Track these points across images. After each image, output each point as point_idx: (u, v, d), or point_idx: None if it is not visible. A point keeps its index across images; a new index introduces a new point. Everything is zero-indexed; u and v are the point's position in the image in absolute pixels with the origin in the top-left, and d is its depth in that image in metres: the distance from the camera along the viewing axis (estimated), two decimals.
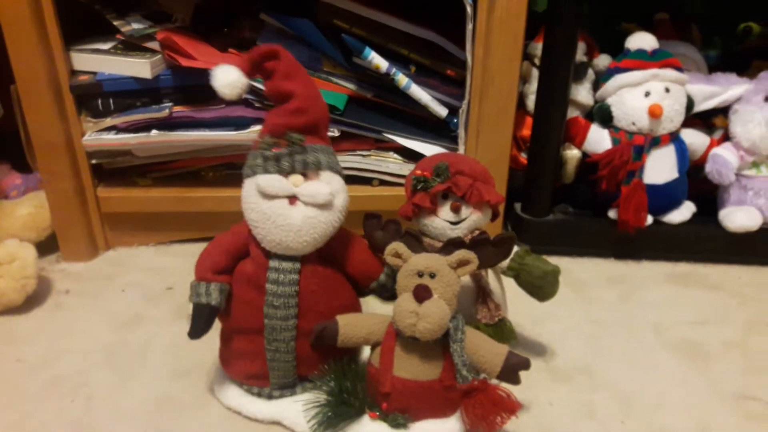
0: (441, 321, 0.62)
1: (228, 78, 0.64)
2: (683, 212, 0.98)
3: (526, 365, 0.65)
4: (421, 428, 0.66)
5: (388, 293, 0.70)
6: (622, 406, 0.72)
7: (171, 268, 0.95)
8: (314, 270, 0.66)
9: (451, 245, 0.66)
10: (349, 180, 0.95)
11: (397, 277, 0.65)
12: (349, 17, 0.91)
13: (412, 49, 0.95)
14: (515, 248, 0.73)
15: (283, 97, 0.65)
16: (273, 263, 0.65)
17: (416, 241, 0.67)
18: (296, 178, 0.64)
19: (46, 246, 0.96)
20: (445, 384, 0.65)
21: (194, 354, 0.78)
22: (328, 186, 0.64)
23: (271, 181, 0.63)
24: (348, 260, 0.69)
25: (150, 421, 0.69)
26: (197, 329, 0.65)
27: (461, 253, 0.64)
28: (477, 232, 0.72)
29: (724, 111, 1.00)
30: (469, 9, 0.86)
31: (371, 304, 0.82)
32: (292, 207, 0.63)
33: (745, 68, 1.11)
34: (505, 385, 0.65)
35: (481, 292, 0.73)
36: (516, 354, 0.65)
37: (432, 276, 0.63)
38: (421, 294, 0.62)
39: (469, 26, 0.87)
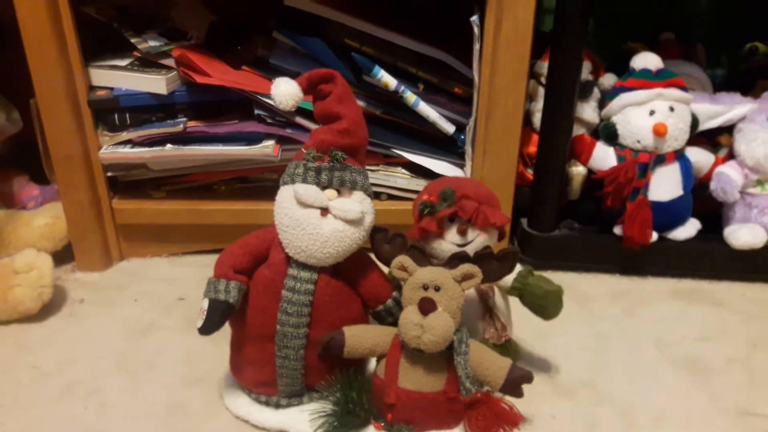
0: (445, 333, 0.63)
1: (288, 89, 0.68)
2: (688, 229, 0.99)
3: (529, 378, 0.66)
4: None
5: (392, 318, 0.72)
6: (624, 419, 0.73)
7: (183, 279, 0.97)
8: (329, 282, 0.68)
9: (456, 259, 0.67)
10: None
11: (402, 290, 0.67)
12: (360, 36, 0.94)
13: (421, 68, 0.97)
14: (519, 268, 0.74)
15: (332, 117, 0.69)
16: (292, 271, 0.67)
17: (422, 255, 0.69)
18: (331, 192, 0.67)
19: (62, 256, 0.98)
20: (449, 396, 0.66)
21: (205, 363, 0.79)
22: (359, 205, 0.68)
23: (309, 191, 0.66)
24: (360, 280, 0.71)
25: (160, 428, 0.71)
26: (210, 325, 0.67)
27: (466, 267, 0.65)
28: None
29: (729, 129, 1.01)
30: (476, 29, 0.88)
31: None
32: (323, 219, 0.66)
33: (751, 87, 1.12)
34: (508, 398, 0.66)
35: (489, 312, 0.75)
36: (519, 367, 0.66)
37: (437, 289, 0.65)
38: (426, 307, 0.64)
39: (476, 46, 0.89)
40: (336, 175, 0.67)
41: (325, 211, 0.66)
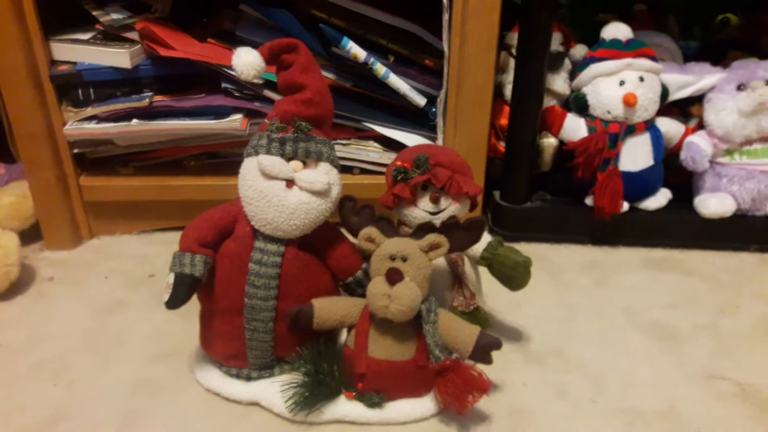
0: (412, 303, 0.63)
1: (249, 59, 0.67)
2: (659, 199, 1.00)
3: (497, 345, 0.66)
4: (396, 408, 0.68)
5: (362, 290, 0.71)
6: (594, 386, 0.74)
7: (153, 256, 0.96)
8: (297, 254, 0.68)
9: (422, 230, 0.67)
10: None
11: (371, 261, 0.67)
12: (327, 7, 0.92)
13: (391, 39, 0.96)
14: (489, 238, 0.74)
15: (295, 88, 0.68)
16: (258, 244, 0.67)
17: (389, 226, 0.68)
18: (296, 164, 0.67)
19: (31, 235, 0.97)
20: (418, 364, 0.66)
21: (174, 339, 0.79)
22: (326, 176, 0.67)
23: (273, 162, 0.65)
24: (329, 253, 0.71)
25: (130, 404, 0.70)
26: (177, 299, 0.66)
27: (432, 237, 0.65)
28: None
29: (700, 99, 1.01)
30: None
31: None
32: (289, 190, 0.65)
33: (722, 59, 1.12)
34: (478, 365, 0.66)
35: (458, 280, 0.75)
36: (487, 334, 0.67)
37: (404, 259, 0.65)
38: (393, 277, 0.64)
39: (445, 16, 0.88)
40: (301, 146, 0.67)
41: (290, 182, 0.66)
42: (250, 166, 0.66)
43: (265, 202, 0.65)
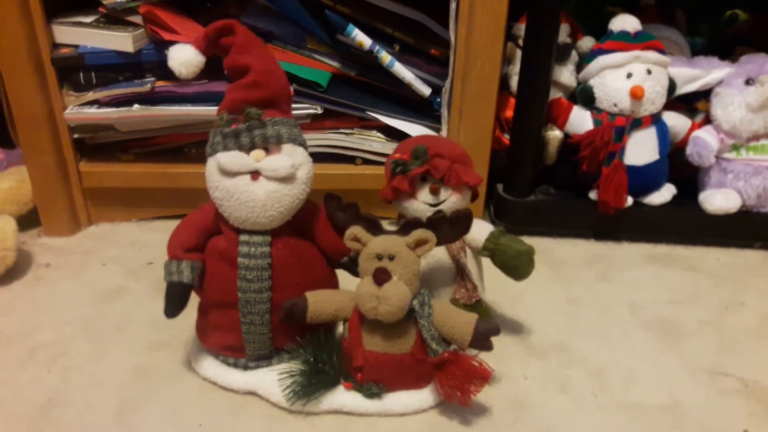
0: (401, 302, 0.62)
1: (183, 56, 0.64)
2: (664, 194, 0.99)
3: (496, 330, 0.65)
4: (394, 399, 0.67)
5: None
6: (595, 380, 0.73)
7: (152, 244, 0.95)
8: (287, 242, 0.66)
9: (409, 226, 0.65)
10: (333, 158, 0.97)
11: (358, 261, 0.66)
12: None
13: (397, 28, 0.95)
14: (492, 228, 0.73)
15: (241, 71, 0.65)
16: (243, 237, 0.65)
17: (374, 224, 0.66)
18: (258, 153, 0.64)
19: (29, 220, 0.96)
20: (416, 357, 0.65)
21: (172, 327, 0.77)
22: (290, 159, 0.64)
23: (231, 158, 0.62)
24: (319, 235, 0.69)
25: (126, 392, 0.69)
26: (172, 307, 0.66)
27: (418, 233, 0.64)
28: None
29: (706, 95, 1.00)
30: None
31: (347, 276, 0.81)
32: (255, 183, 0.63)
33: (729, 54, 1.11)
34: (478, 354, 0.65)
35: (460, 272, 0.74)
36: (485, 321, 0.65)
37: (391, 258, 0.63)
38: (380, 277, 0.62)
39: (453, 5, 0.87)
40: (256, 134, 0.63)
41: (255, 174, 0.63)
42: (211, 167, 0.64)
43: (235, 201, 0.63)
